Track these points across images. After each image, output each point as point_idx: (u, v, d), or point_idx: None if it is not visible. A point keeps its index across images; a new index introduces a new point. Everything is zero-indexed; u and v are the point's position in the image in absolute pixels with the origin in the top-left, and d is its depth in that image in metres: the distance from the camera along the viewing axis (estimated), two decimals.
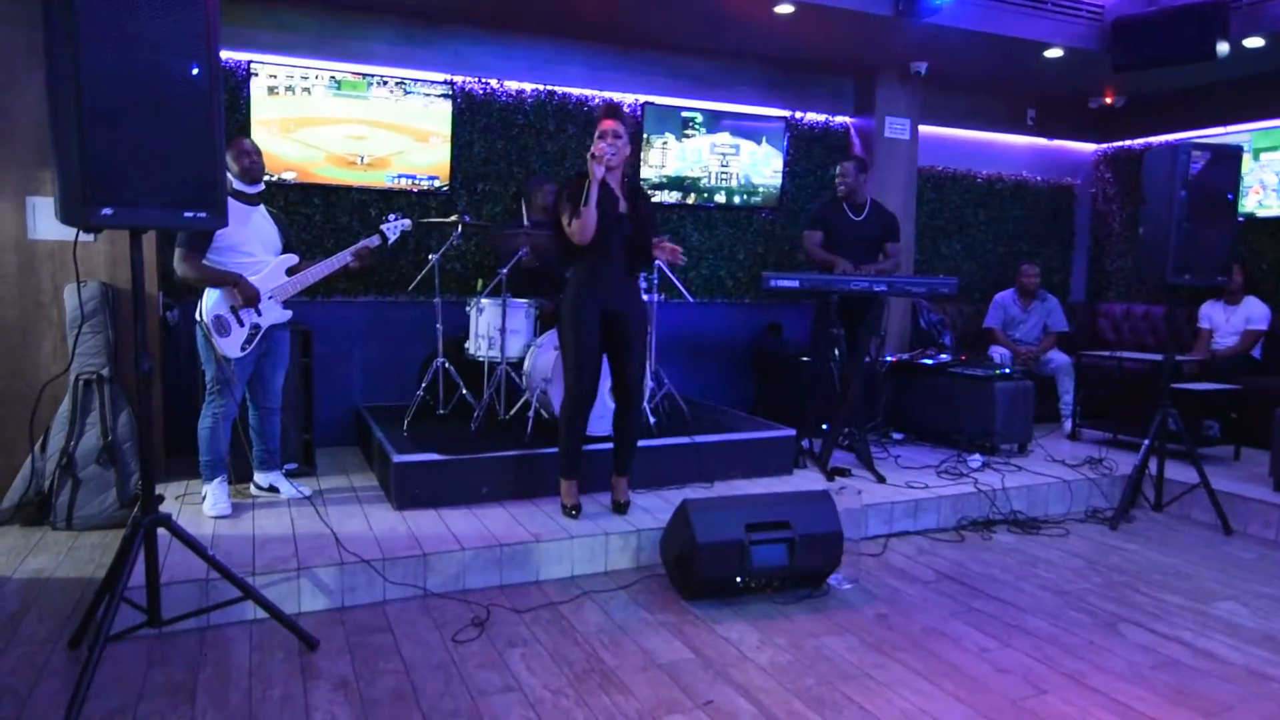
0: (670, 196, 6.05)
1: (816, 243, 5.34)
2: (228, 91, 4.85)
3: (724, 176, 6.18)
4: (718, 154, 6.13)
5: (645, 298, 4.92)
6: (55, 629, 2.96)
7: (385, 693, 2.60)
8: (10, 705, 2.48)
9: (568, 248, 3.78)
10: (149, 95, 2.40)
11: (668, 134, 5.97)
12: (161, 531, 2.68)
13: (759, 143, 6.24)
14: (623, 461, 3.96)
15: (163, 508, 2.72)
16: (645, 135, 5.87)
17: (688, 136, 6.02)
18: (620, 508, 3.94)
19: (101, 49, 2.31)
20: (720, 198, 6.18)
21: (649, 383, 4.54)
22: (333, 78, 5.09)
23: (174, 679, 2.65)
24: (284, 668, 2.74)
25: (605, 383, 4.28)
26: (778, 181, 6.32)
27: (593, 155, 3.59)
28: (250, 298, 3.71)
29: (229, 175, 3.71)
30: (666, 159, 5.99)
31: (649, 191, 5.94)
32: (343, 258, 3.95)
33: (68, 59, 2.28)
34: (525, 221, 5.18)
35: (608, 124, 3.71)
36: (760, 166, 6.27)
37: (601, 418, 4.25)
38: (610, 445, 4.03)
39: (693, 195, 6.10)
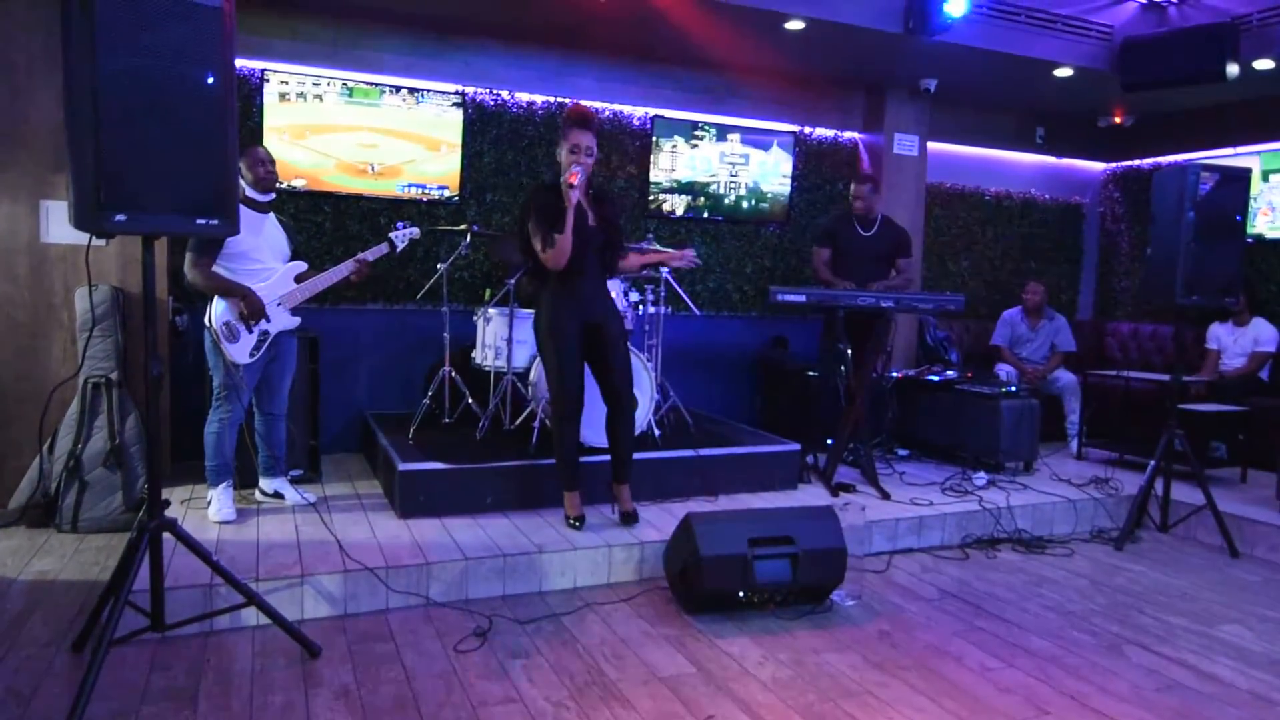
0: (680, 200, 6.07)
1: (824, 261, 5.34)
2: (240, 99, 4.88)
3: (733, 185, 6.20)
4: (727, 163, 6.16)
5: (654, 310, 4.96)
6: (59, 631, 2.97)
7: (386, 701, 2.60)
8: (13, 707, 2.48)
9: (539, 266, 3.73)
10: (164, 103, 2.42)
11: (677, 137, 5.99)
12: (166, 535, 2.69)
13: (768, 150, 6.26)
14: (621, 469, 3.95)
15: (168, 512, 2.73)
16: (655, 139, 5.90)
17: (697, 139, 6.04)
18: (627, 518, 3.92)
19: (118, 57, 2.34)
20: (729, 201, 6.20)
21: (655, 395, 4.54)
22: (345, 85, 5.13)
23: (176, 684, 2.66)
24: (286, 674, 2.75)
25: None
26: (787, 188, 6.34)
27: (570, 184, 3.52)
28: (256, 311, 3.72)
29: (242, 183, 3.74)
30: (676, 164, 6.01)
31: (659, 195, 5.98)
32: (350, 265, 3.98)
33: (85, 66, 2.31)
34: None
35: (580, 138, 3.61)
36: (770, 175, 6.29)
37: (605, 429, 4.26)
38: (610, 458, 4.02)
39: (702, 199, 6.12)
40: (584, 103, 5.72)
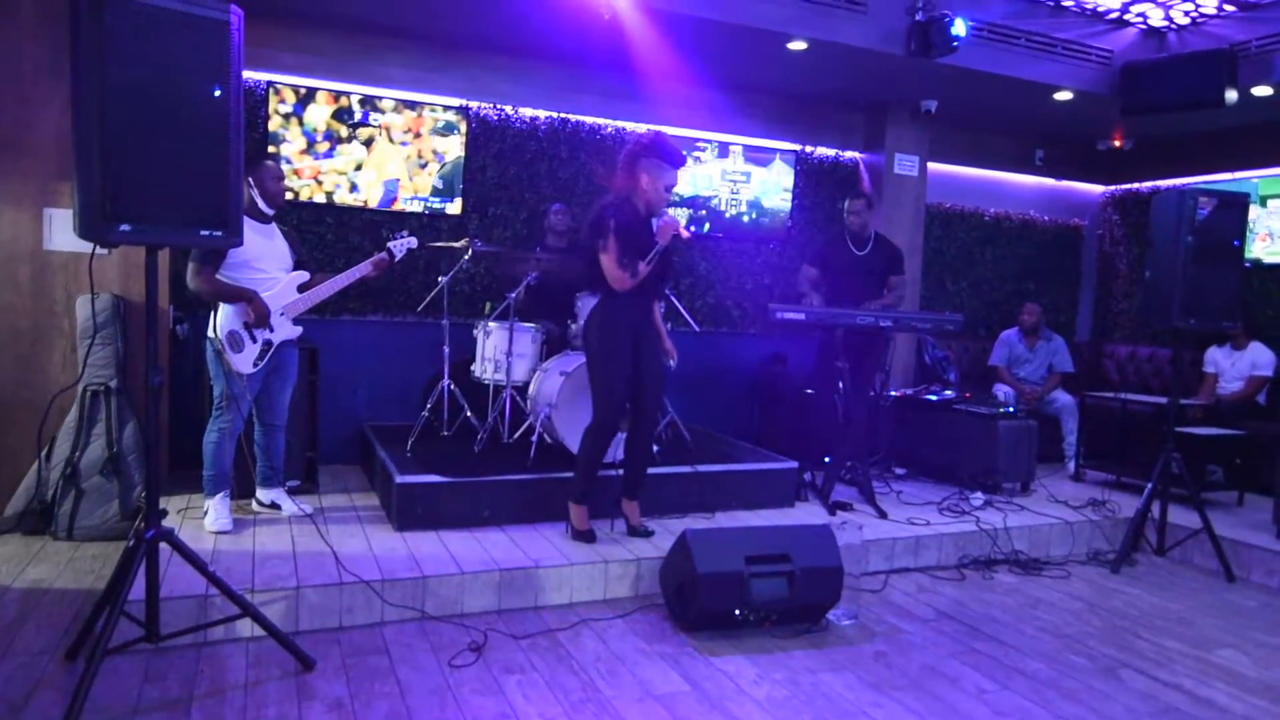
0: (681, 215, 6.09)
1: (808, 278, 5.36)
2: (246, 110, 4.89)
3: (734, 202, 6.24)
4: (729, 180, 6.19)
5: None
6: (53, 640, 2.96)
7: (380, 716, 2.59)
8: (5, 715, 2.47)
9: (599, 276, 3.78)
10: (171, 115, 2.45)
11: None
12: (162, 545, 2.69)
13: (769, 167, 6.29)
14: (635, 485, 4.00)
15: (165, 522, 2.73)
16: None
17: (699, 149, 6.07)
18: (637, 531, 3.97)
19: (127, 68, 2.36)
20: (729, 216, 6.22)
21: None
22: (348, 98, 5.16)
23: (169, 695, 2.65)
24: (279, 687, 2.74)
25: None
26: (787, 206, 6.37)
27: (679, 234, 3.68)
28: (262, 315, 3.73)
29: (253, 194, 3.76)
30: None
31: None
32: (352, 274, 3.99)
33: (94, 77, 2.33)
34: (539, 246, 5.21)
35: (675, 179, 3.76)
36: (770, 193, 6.32)
37: (614, 444, 4.27)
38: (608, 473, 4.05)
39: (703, 213, 6.15)
40: (587, 118, 5.78)
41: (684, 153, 3.81)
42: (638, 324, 3.86)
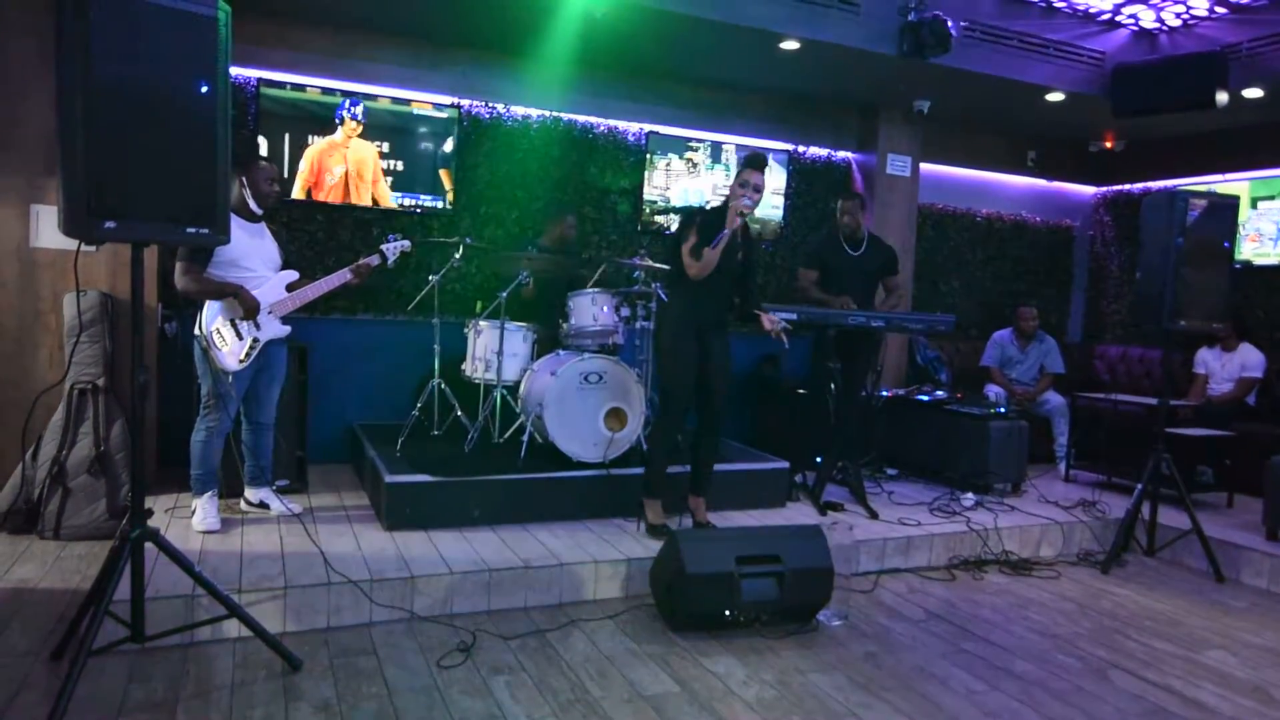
0: (675, 217, 6.07)
1: (812, 281, 5.35)
2: (236, 107, 4.87)
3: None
4: (721, 194, 6.17)
5: (645, 325, 4.95)
6: (37, 640, 2.93)
7: (368, 717, 2.58)
8: None
9: (679, 271, 3.93)
10: (157, 111, 2.43)
11: (670, 154, 6.01)
12: (148, 545, 2.67)
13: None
14: (702, 482, 4.09)
15: (152, 521, 2.71)
16: (649, 154, 5.92)
17: (691, 150, 6.05)
18: (703, 527, 4.00)
19: (113, 64, 2.34)
20: None
21: (645, 410, 4.53)
22: (339, 94, 5.14)
23: (154, 696, 2.63)
24: (266, 688, 2.72)
25: (600, 410, 4.30)
26: (780, 206, 6.36)
27: (740, 212, 3.76)
28: (251, 309, 3.71)
29: (245, 193, 3.74)
30: (670, 179, 6.02)
31: (653, 213, 6.00)
32: (342, 275, 3.97)
33: (79, 72, 2.31)
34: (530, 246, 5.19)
35: (753, 176, 3.83)
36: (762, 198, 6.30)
37: (595, 444, 4.26)
38: (599, 473, 4.09)
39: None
40: (580, 116, 5.76)
41: (762, 155, 3.91)
42: (707, 324, 3.97)
